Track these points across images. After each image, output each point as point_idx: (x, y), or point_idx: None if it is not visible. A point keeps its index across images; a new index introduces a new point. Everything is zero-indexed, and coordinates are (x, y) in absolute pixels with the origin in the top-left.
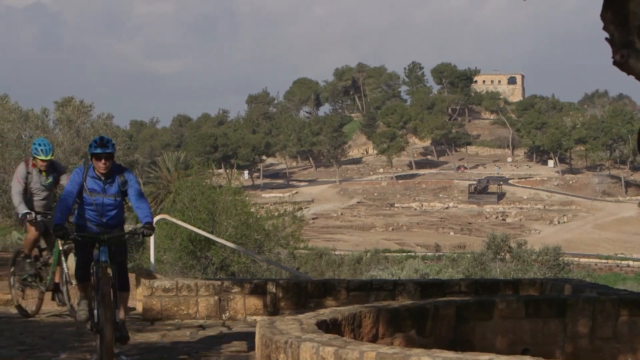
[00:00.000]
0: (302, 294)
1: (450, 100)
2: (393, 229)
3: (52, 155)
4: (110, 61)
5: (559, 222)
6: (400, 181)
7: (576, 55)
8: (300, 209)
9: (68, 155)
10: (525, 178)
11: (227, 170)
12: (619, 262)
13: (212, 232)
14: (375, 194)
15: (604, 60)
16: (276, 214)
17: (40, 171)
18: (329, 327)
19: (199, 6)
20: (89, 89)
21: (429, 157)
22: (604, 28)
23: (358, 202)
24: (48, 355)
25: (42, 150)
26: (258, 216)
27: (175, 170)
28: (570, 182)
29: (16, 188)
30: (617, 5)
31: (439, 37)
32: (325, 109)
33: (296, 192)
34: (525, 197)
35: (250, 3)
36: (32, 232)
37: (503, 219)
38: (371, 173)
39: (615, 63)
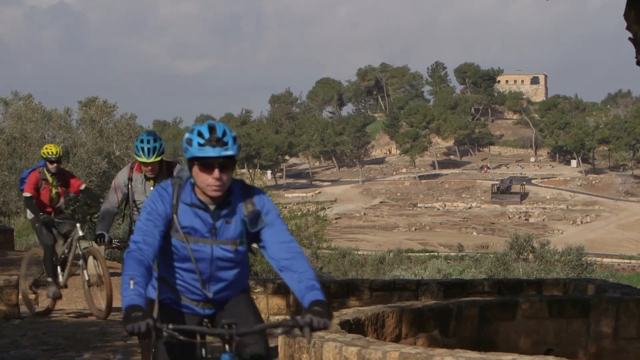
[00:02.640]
0: (325, 293)
1: (473, 100)
2: (416, 229)
3: (159, 156)
4: (134, 61)
5: (582, 222)
6: (423, 181)
7: (599, 55)
8: (323, 208)
9: (91, 155)
10: (548, 178)
11: (250, 170)
12: None
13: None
14: (398, 194)
15: (627, 59)
16: (299, 213)
17: (146, 178)
18: (352, 327)
19: (224, 6)
20: (113, 89)
21: (451, 157)
22: (628, 28)
23: (381, 202)
24: (71, 355)
25: (143, 149)
26: (281, 216)
27: None
28: (594, 182)
29: (107, 202)
30: None
31: (464, 37)
32: (348, 109)
33: (319, 192)
34: (548, 197)
35: (276, 3)
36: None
37: (526, 219)
38: (394, 173)
39: (638, 63)
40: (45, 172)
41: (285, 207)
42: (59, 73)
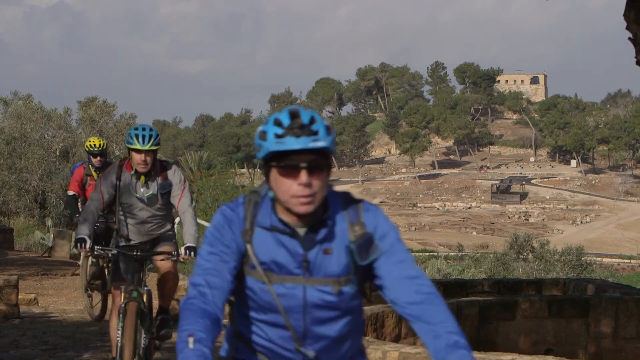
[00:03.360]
0: None
1: (473, 100)
2: (416, 229)
3: (155, 145)
4: (134, 61)
5: (581, 222)
6: (423, 181)
7: (599, 55)
8: None
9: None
10: (548, 178)
11: (250, 170)
12: None
13: None
14: (398, 194)
15: (627, 59)
16: None
17: (136, 175)
18: None
19: (224, 5)
20: (113, 89)
21: (451, 157)
22: (627, 28)
23: (381, 202)
24: (71, 355)
25: (137, 135)
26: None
27: (198, 170)
28: (593, 182)
29: (91, 202)
30: None
31: (464, 36)
32: (347, 109)
33: None
34: (547, 197)
35: (276, 2)
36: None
37: (526, 219)
38: (394, 173)
39: (638, 62)
40: (90, 167)
41: None
42: (58, 73)
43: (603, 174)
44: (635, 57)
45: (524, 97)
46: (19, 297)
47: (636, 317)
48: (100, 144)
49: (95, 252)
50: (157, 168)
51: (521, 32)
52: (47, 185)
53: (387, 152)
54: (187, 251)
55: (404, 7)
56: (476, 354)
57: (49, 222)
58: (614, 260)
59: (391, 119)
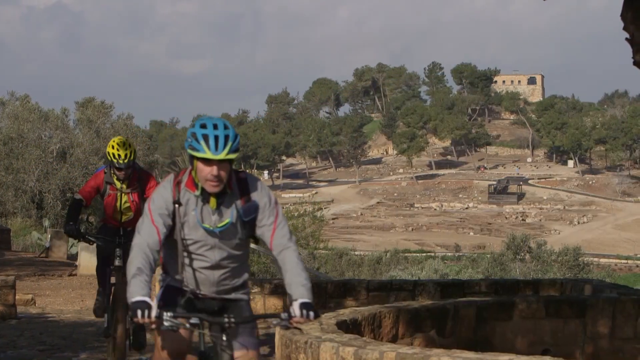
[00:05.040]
0: (322, 294)
1: (470, 100)
2: (413, 229)
3: (234, 152)
4: (132, 61)
5: (578, 223)
6: (420, 181)
7: (596, 55)
8: (320, 209)
9: (88, 155)
10: (545, 178)
11: (247, 171)
12: (639, 262)
13: None
14: (395, 194)
15: (624, 60)
16: (296, 214)
17: (202, 198)
18: (349, 327)
19: (222, 5)
20: (111, 89)
21: (448, 157)
22: (624, 28)
23: (378, 202)
24: (68, 356)
25: (207, 138)
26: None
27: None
28: (590, 183)
29: (141, 237)
30: (638, 5)
31: (461, 37)
32: (345, 109)
33: (316, 192)
34: (545, 198)
35: (275, 3)
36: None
37: (523, 220)
38: (391, 173)
39: (635, 63)
40: (112, 174)
41: (283, 208)
42: (56, 73)
43: (600, 174)
44: (633, 58)
45: (521, 97)
46: (17, 297)
47: (633, 317)
48: (125, 156)
49: (166, 323)
50: (235, 185)
51: (519, 32)
52: (44, 185)
53: (384, 153)
54: (304, 311)
55: (401, 8)
56: (473, 355)
57: (46, 223)
58: (611, 260)
59: (388, 120)
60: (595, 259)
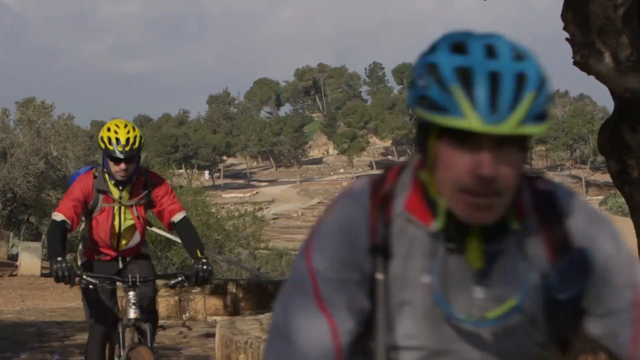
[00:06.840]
0: (262, 294)
1: None
2: None
3: None
4: (75, 61)
5: None
6: None
7: (538, 56)
8: (261, 209)
9: (29, 155)
10: None
11: (188, 171)
12: None
13: (172, 233)
14: (336, 194)
15: (564, 60)
16: (237, 214)
17: (450, 235)
18: None
19: (166, 5)
20: (53, 89)
21: (389, 157)
22: (565, 28)
23: (319, 202)
24: (9, 356)
25: None
26: (218, 216)
27: None
28: None
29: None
30: (578, 5)
31: (404, 37)
32: (286, 109)
33: (257, 192)
34: None
35: (220, 3)
36: None
37: None
38: (332, 173)
39: (575, 63)
40: (106, 177)
41: (223, 208)
42: None
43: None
44: (573, 58)
45: None
46: None
47: None
48: (127, 141)
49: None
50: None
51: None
52: None
53: (325, 153)
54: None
55: (348, 9)
56: None
57: None
58: None
59: (329, 120)
60: None
